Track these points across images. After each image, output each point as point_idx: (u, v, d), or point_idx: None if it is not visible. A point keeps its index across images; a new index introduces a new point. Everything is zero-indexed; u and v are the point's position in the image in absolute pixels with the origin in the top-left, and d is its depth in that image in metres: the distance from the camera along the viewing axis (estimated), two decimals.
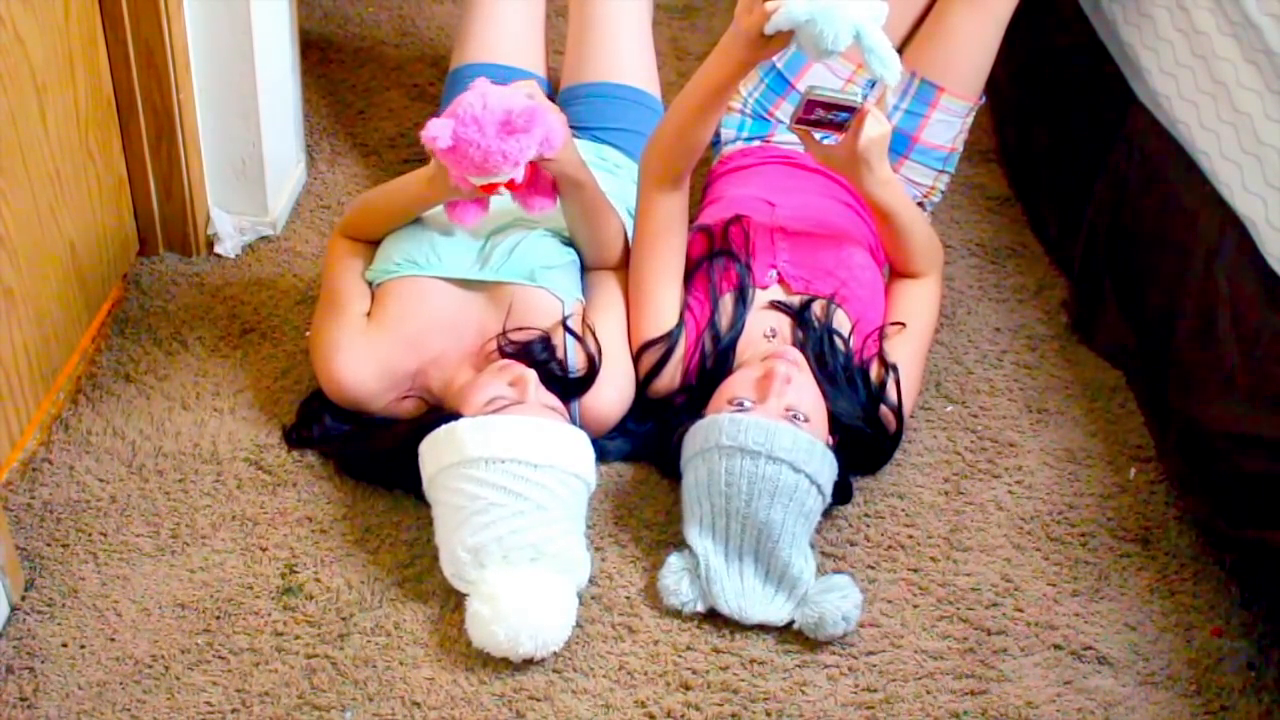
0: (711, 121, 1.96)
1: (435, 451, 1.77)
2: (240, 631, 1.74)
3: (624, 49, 2.38)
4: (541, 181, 1.93)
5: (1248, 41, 2.01)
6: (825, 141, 1.95)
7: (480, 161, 1.76)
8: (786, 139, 2.30)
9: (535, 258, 2.01)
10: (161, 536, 1.85)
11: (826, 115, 1.89)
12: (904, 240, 2.05)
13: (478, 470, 1.73)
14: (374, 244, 2.07)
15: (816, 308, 1.98)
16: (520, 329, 1.93)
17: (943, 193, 2.35)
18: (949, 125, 2.28)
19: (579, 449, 1.81)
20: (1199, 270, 2.00)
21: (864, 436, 1.93)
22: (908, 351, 2.02)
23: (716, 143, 2.38)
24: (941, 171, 2.31)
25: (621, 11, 2.39)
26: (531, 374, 1.84)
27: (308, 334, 2.15)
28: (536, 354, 1.90)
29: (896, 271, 2.12)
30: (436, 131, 1.75)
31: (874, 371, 1.97)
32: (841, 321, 2.00)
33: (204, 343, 2.15)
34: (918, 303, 2.08)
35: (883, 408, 1.95)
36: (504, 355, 1.90)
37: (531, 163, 1.82)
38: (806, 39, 1.78)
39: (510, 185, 1.81)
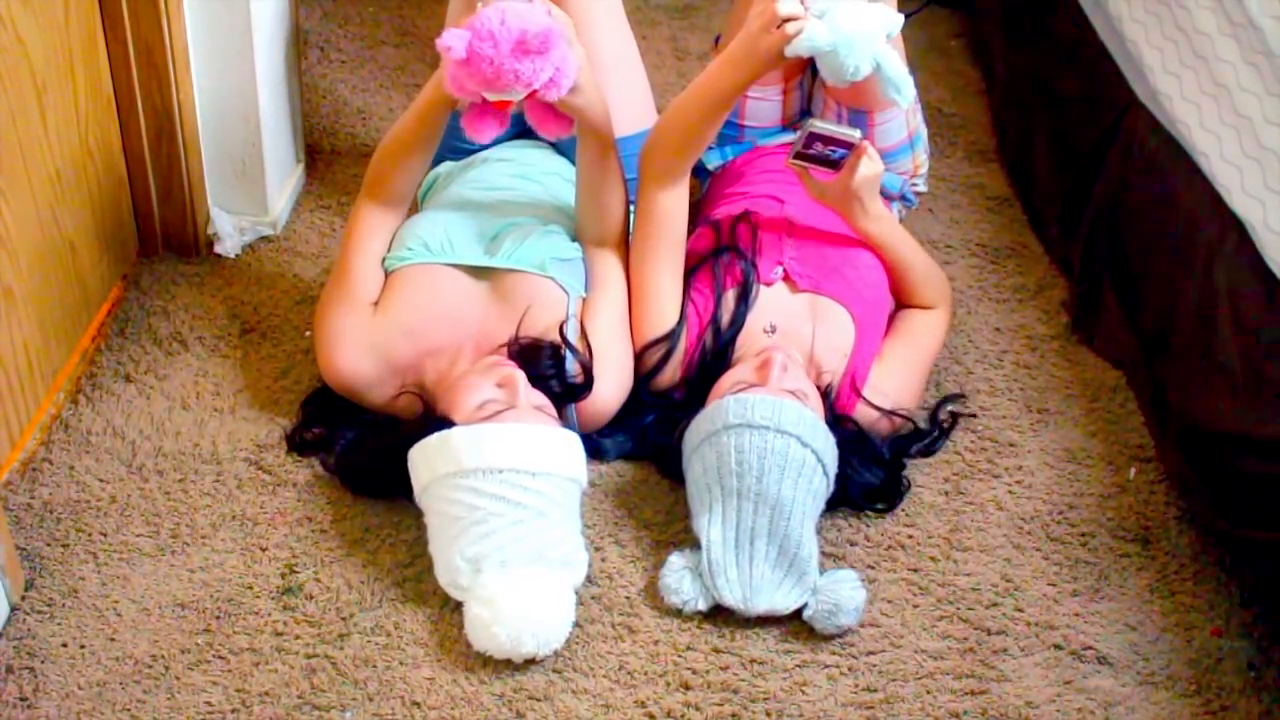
0: (716, 123, 1.97)
1: (428, 461, 1.76)
2: (240, 631, 1.74)
3: (619, 98, 2.16)
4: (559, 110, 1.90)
5: (1248, 43, 2.01)
6: (820, 178, 1.98)
7: (492, 78, 1.76)
8: (772, 141, 2.30)
9: (547, 249, 2.01)
10: (161, 536, 1.85)
11: (824, 150, 1.92)
12: (904, 272, 2.08)
13: (474, 481, 1.71)
14: (395, 211, 2.03)
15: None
16: (533, 338, 1.92)
17: (927, 159, 2.32)
18: (895, 125, 2.24)
19: (572, 452, 1.80)
20: (1199, 270, 1.99)
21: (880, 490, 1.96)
22: (904, 364, 2.03)
23: (705, 174, 2.35)
24: (914, 154, 2.29)
25: (612, 64, 2.18)
26: (520, 374, 1.82)
27: (308, 334, 2.15)
28: (543, 363, 1.89)
29: (903, 306, 2.12)
30: (451, 42, 1.75)
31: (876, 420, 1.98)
32: (845, 324, 2.00)
33: (204, 343, 2.15)
34: (922, 322, 2.09)
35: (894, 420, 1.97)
36: (511, 356, 1.90)
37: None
38: (827, 66, 1.78)
39: (529, 99, 1.80)
